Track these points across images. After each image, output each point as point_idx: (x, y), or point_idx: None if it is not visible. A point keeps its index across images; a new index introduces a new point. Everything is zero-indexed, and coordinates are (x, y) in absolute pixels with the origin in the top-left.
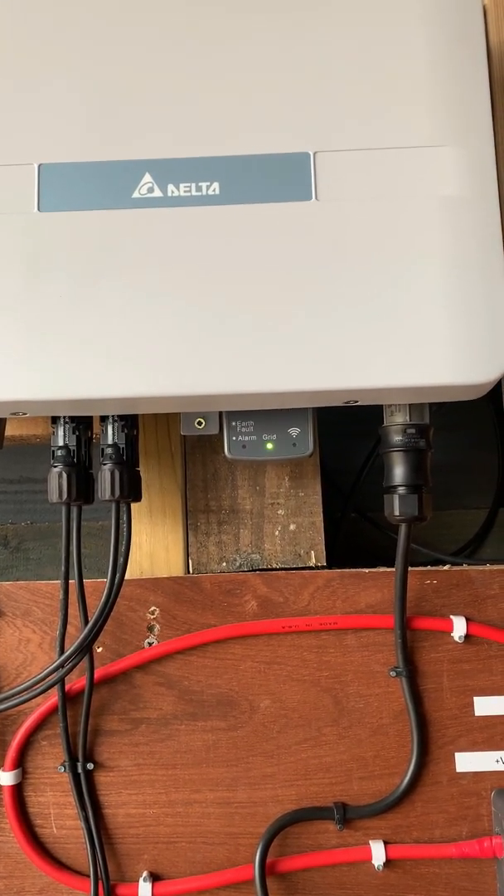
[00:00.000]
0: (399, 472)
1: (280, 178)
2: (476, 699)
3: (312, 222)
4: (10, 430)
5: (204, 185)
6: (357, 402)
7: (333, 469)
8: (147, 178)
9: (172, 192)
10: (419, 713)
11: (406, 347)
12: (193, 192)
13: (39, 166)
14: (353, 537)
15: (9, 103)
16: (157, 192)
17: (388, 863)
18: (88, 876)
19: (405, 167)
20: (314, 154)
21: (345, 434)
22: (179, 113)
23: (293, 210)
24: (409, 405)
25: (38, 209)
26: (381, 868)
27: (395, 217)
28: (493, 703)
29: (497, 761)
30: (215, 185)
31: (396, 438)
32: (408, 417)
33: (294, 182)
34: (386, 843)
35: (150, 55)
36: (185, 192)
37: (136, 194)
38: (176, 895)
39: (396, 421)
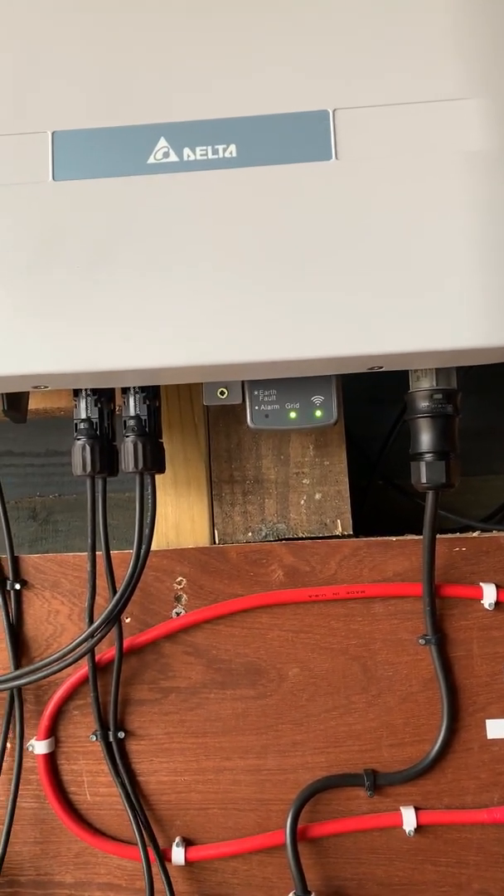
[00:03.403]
0: (426, 439)
1: (299, 137)
2: None
3: (333, 183)
4: (34, 404)
5: (220, 147)
6: (382, 367)
7: (360, 436)
8: (162, 142)
9: (188, 156)
10: (449, 681)
11: (431, 310)
12: (210, 156)
13: (53, 134)
14: (381, 505)
15: (21, 71)
16: (173, 157)
17: (419, 828)
18: (123, 841)
19: (429, 122)
20: (333, 111)
21: (372, 400)
22: (193, 74)
23: (313, 171)
24: (436, 369)
25: (53, 178)
26: (412, 833)
27: (418, 175)
28: None
29: None
30: (232, 148)
31: (423, 404)
32: (434, 382)
33: (313, 141)
34: (417, 808)
35: (162, 16)
36: (201, 155)
37: (151, 160)
38: (209, 859)
39: (422, 386)
